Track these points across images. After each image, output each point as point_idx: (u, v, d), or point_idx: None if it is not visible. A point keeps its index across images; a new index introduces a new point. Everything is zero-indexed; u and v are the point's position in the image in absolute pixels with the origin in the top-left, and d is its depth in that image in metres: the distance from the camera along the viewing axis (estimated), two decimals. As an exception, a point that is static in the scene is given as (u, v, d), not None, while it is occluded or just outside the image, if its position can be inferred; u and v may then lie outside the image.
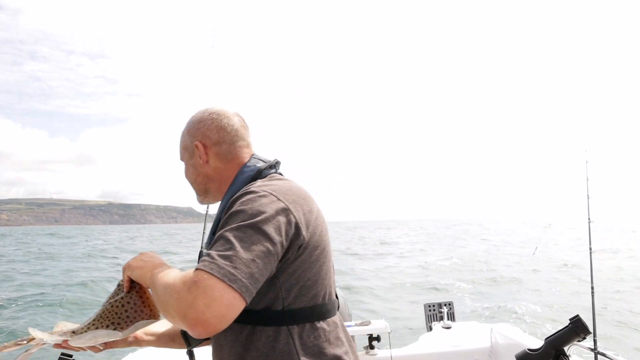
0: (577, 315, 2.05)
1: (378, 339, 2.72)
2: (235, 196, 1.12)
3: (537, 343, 2.33)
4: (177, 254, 25.05)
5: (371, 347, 2.73)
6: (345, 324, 2.68)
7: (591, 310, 2.46)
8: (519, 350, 2.23)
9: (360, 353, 2.75)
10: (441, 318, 3.32)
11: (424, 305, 3.46)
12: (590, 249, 2.70)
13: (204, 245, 2.81)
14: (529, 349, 2.19)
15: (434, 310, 3.41)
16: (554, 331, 2.14)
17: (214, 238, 1.03)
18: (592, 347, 2.24)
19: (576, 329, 2.04)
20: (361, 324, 2.67)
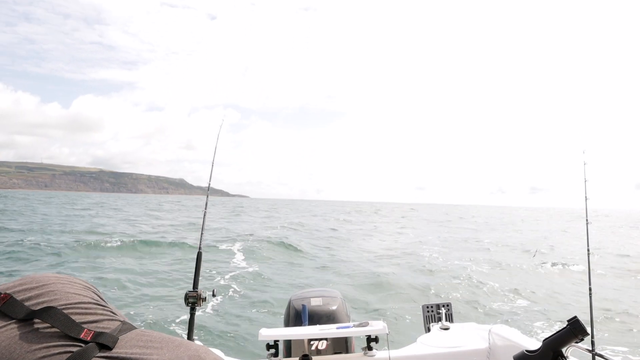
0: (575, 317, 2.06)
1: (376, 340, 2.72)
2: None
3: (535, 344, 2.34)
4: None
5: (369, 348, 2.72)
6: (343, 325, 2.68)
7: (589, 312, 2.47)
8: (517, 352, 2.23)
9: (359, 354, 2.75)
10: (439, 319, 3.31)
11: (422, 307, 3.45)
12: (588, 250, 2.71)
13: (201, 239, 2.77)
14: (527, 350, 2.19)
15: (432, 311, 3.40)
16: (552, 332, 2.15)
17: None
18: (590, 349, 2.24)
19: (574, 330, 2.04)
20: (359, 325, 2.67)
